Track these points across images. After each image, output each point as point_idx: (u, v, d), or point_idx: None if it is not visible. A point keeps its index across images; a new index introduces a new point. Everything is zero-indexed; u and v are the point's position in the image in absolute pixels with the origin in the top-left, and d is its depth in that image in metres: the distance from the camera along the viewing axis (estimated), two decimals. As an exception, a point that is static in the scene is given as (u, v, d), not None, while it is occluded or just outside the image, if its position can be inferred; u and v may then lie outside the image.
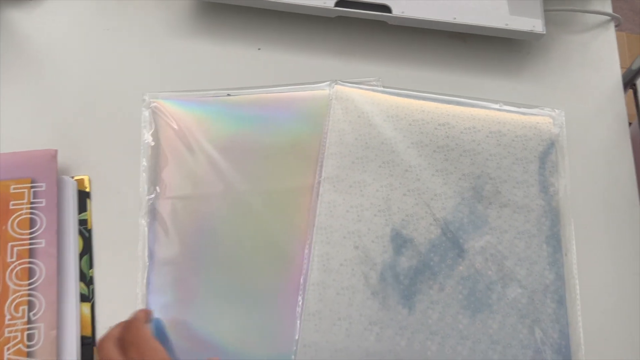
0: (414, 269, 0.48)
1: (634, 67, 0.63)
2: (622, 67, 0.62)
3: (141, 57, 0.60)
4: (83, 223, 0.51)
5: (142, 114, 0.55)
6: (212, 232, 0.51)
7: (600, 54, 0.63)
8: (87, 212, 0.52)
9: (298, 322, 0.46)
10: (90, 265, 0.50)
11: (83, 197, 0.53)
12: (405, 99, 0.56)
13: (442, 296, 0.47)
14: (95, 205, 0.53)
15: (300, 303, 0.47)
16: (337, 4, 0.57)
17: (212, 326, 0.48)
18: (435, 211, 0.50)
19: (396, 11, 0.57)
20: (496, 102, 0.56)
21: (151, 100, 0.56)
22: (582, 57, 0.62)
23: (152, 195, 0.52)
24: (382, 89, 0.57)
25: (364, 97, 0.56)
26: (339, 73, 0.58)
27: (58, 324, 0.46)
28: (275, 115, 0.56)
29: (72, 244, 0.50)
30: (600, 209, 0.54)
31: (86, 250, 0.51)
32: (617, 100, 0.59)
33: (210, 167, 0.53)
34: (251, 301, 0.48)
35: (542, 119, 0.56)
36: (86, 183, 0.53)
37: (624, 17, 0.65)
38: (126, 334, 0.41)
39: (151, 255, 0.50)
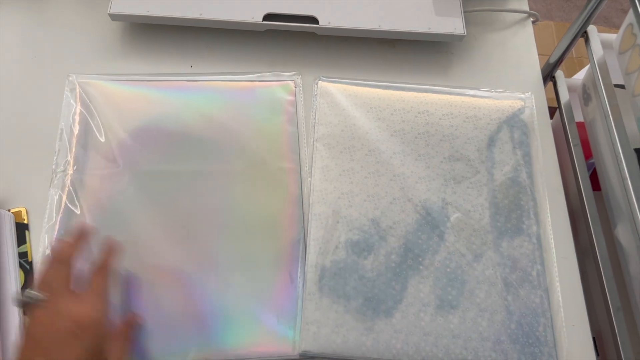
0: (402, 250, 0.52)
1: (552, 60, 0.67)
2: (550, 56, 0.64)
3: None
4: (23, 256, 0.50)
5: (65, 95, 0.57)
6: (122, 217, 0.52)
7: (519, 50, 0.66)
8: (27, 245, 0.51)
9: (299, 302, 0.49)
10: None
11: (22, 229, 0.51)
12: (385, 90, 0.59)
13: (430, 272, 0.51)
14: (34, 237, 0.52)
15: (300, 285, 0.50)
16: (265, 18, 0.59)
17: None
18: (420, 193, 0.54)
19: (323, 22, 0.59)
20: (471, 88, 0.60)
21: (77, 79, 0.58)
22: (503, 54, 0.65)
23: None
24: (362, 82, 0.60)
25: (347, 91, 0.59)
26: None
27: (3, 358, 0.45)
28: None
29: (13, 277, 0.48)
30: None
31: (28, 283, 0.49)
32: (538, 94, 0.62)
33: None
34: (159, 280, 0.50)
35: (514, 102, 0.59)
36: (24, 215, 0.52)
37: (553, 4, 0.67)
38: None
39: None
